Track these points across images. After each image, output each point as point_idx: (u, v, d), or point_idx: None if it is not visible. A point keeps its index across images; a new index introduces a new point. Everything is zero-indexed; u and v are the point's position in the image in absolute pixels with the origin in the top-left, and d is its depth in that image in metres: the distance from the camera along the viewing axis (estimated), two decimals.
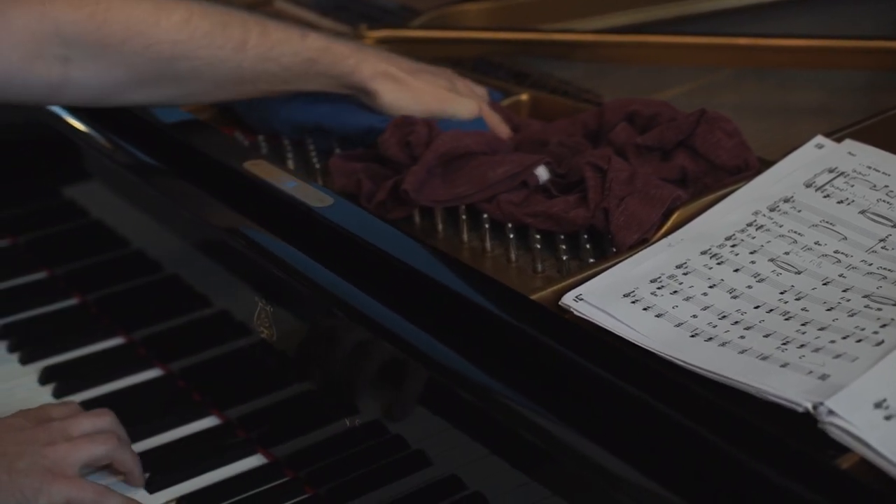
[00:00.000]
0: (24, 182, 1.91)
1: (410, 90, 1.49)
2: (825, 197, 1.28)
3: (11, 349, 1.64)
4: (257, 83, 1.50)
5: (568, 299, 1.19)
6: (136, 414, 1.46)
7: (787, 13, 1.94)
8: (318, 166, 1.51)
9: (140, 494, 1.37)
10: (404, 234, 1.29)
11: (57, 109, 1.65)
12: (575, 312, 1.18)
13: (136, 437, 1.44)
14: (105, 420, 1.39)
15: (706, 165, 1.36)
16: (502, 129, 1.50)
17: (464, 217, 1.36)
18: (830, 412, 0.99)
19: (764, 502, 0.94)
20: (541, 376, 1.11)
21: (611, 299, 1.18)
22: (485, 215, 1.35)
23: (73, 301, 1.73)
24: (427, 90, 1.50)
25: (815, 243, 1.23)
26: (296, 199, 1.33)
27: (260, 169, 1.40)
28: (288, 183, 1.36)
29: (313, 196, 1.33)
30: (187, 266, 1.51)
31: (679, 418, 1.00)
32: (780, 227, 1.26)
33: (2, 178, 1.95)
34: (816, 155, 1.35)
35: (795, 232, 1.25)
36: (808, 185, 1.30)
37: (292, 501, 1.35)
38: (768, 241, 1.24)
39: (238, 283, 1.40)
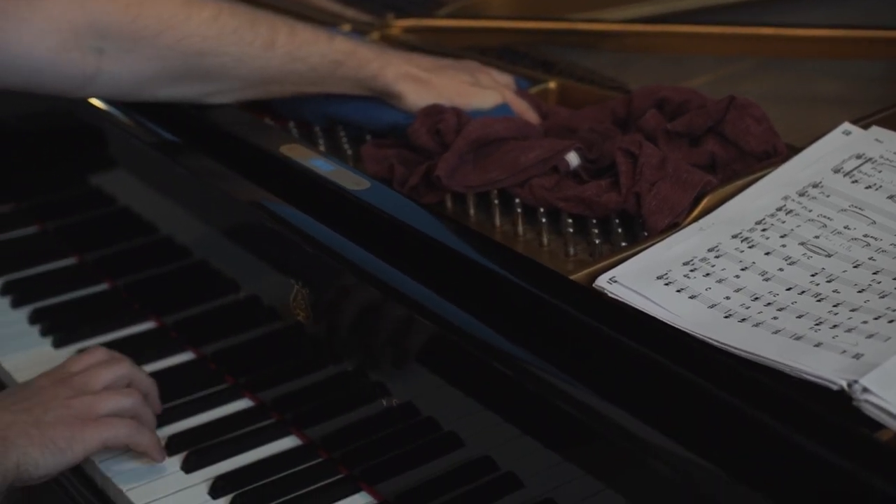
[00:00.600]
0: (51, 170, 1.93)
1: (434, 89, 1.51)
2: (853, 182, 1.30)
3: (44, 333, 1.66)
4: (284, 83, 1.52)
5: (602, 281, 1.21)
6: (170, 396, 1.48)
7: (805, 5, 1.96)
8: (349, 152, 1.53)
9: (177, 475, 1.39)
10: (442, 216, 1.31)
11: None
12: (609, 294, 1.20)
13: (170, 418, 1.47)
14: (124, 367, 1.42)
15: (735, 151, 1.38)
16: (530, 116, 1.52)
17: (496, 202, 1.38)
18: (865, 390, 1.01)
19: (806, 473, 0.96)
20: (577, 353, 1.13)
21: (644, 281, 1.20)
22: (517, 200, 1.37)
23: (103, 286, 1.76)
24: (449, 86, 1.52)
25: (845, 227, 1.25)
26: (333, 182, 1.35)
27: (296, 152, 1.42)
28: (325, 166, 1.38)
29: (350, 179, 1.36)
30: (219, 250, 1.53)
31: (720, 393, 1.02)
32: (810, 211, 1.27)
33: (29, 167, 1.97)
34: (844, 141, 1.36)
35: (825, 216, 1.26)
36: (836, 171, 1.32)
37: (327, 481, 1.37)
38: (798, 226, 1.26)
39: (273, 265, 1.42)
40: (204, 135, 1.52)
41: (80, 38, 1.42)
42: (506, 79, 1.59)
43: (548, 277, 1.19)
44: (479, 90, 1.52)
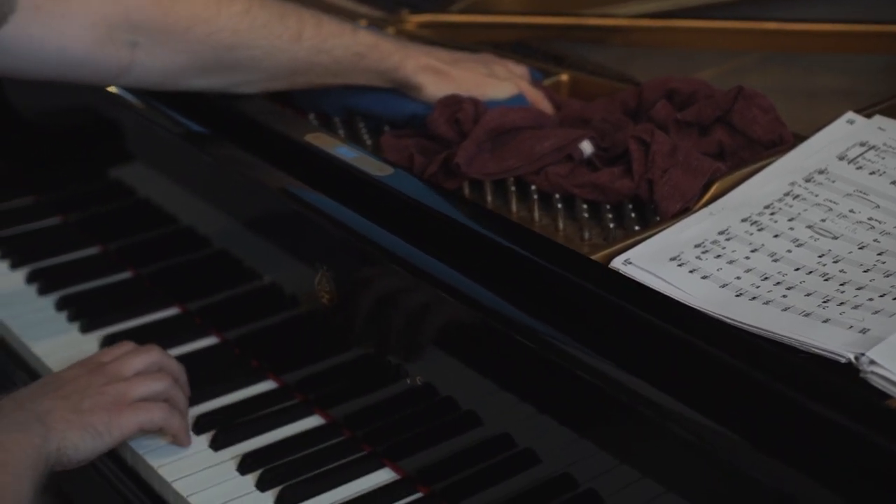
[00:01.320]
0: (71, 163, 1.97)
1: (452, 80, 1.56)
2: (857, 169, 1.35)
3: (71, 318, 1.70)
4: (309, 74, 1.56)
5: (617, 263, 1.25)
6: (195, 378, 1.52)
7: (808, 1, 2.00)
8: (368, 142, 1.58)
9: (205, 452, 1.44)
10: (460, 199, 1.36)
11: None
12: (624, 276, 1.24)
13: (196, 399, 1.51)
14: (153, 355, 1.47)
15: (743, 140, 1.43)
16: (545, 106, 1.57)
17: (513, 188, 1.43)
18: (872, 362, 1.06)
19: (819, 437, 1.01)
20: (596, 328, 1.17)
21: (658, 263, 1.25)
22: (532, 187, 1.42)
23: (127, 274, 1.80)
24: (467, 77, 1.57)
25: (850, 211, 1.29)
26: (358, 168, 1.40)
27: (321, 141, 1.47)
28: (349, 153, 1.43)
29: (374, 166, 1.40)
30: (245, 237, 1.57)
31: (739, 365, 1.07)
32: (816, 196, 1.32)
33: (50, 160, 2.02)
34: (848, 130, 1.41)
35: (830, 201, 1.31)
36: (840, 158, 1.37)
37: (350, 458, 1.41)
38: (805, 210, 1.31)
39: (298, 250, 1.47)
40: (230, 125, 1.56)
41: (114, 33, 1.47)
42: (521, 69, 1.64)
43: (567, 257, 1.24)
44: (496, 81, 1.57)
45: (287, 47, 1.51)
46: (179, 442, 1.43)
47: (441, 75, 1.55)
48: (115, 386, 1.40)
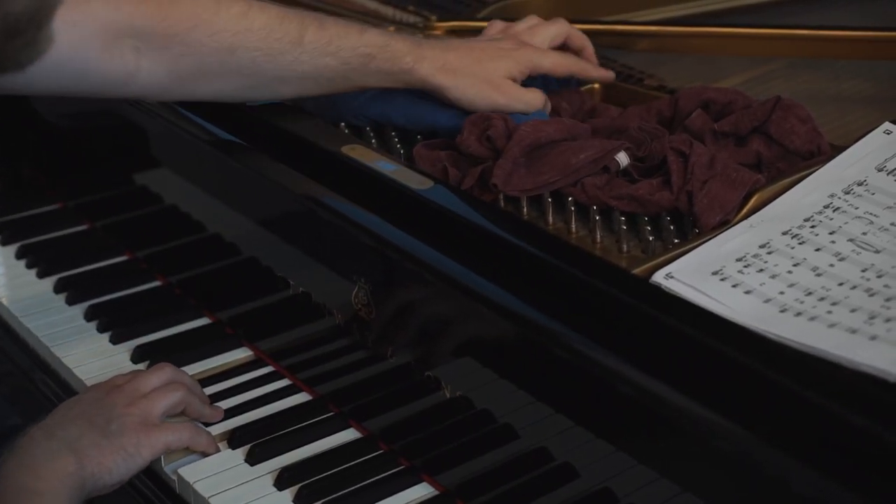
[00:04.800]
0: (97, 169, 1.97)
1: (471, 77, 1.54)
2: None
3: (101, 329, 1.70)
4: (319, 79, 1.55)
5: (658, 277, 1.25)
6: (229, 392, 1.54)
7: (835, 6, 2.00)
8: (401, 152, 1.57)
9: (242, 467, 1.43)
10: (501, 214, 1.36)
11: None
12: (666, 290, 1.24)
13: (231, 412, 1.51)
14: (167, 372, 1.49)
15: (780, 150, 1.43)
16: (594, 70, 1.62)
17: (549, 200, 1.42)
18: None
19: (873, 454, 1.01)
20: (638, 342, 1.17)
21: (700, 277, 1.24)
22: (569, 198, 1.41)
23: (156, 283, 1.80)
24: (490, 82, 1.55)
25: (891, 224, 1.29)
26: (397, 181, 1.40)
27: (357, 153, 1.46)
28: (387, 166, 1.43)
29: (413, 179, 1.40)
30: (282, 248, 1.57)
31: (792, 384, 1.07)
32: (856, 208, 1.32)
33: (76, 166, 2.01)
34: (885, 140, 1.41)
35: (871, 213, 1.31)
36: (879, 169, 1.37)
37: (388, 472, 1.41)
38: (846, 222, 1.30)
39: (337, 262, 1.47)
40: (269, 138, 1.56)
41: (119, 38, 1.46)
42: (540, 38, 1.65)
43: (608, 271, 1.24)
44: (522, 92, 1.55)
45: (288, 49, 1.50)
46: (208, 452, 1.46)
47: (461, 75, 1.54)
48: (137, 405, 1.42)
